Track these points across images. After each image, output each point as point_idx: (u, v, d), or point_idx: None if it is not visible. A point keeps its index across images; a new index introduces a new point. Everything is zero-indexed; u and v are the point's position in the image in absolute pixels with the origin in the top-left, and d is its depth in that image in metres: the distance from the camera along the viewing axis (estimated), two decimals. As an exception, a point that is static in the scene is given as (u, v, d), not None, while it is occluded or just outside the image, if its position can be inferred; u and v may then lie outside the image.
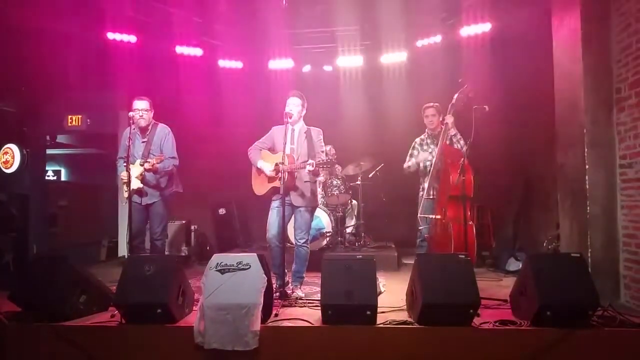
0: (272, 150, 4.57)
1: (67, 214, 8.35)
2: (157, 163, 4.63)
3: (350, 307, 3.20)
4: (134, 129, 4.74)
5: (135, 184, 4.63)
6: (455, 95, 4.76)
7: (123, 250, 7.33)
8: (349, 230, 6.92)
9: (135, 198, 4.69)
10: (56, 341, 3.32)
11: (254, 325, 3.14)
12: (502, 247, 6.46)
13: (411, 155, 5.26)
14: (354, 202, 6.95)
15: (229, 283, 3.28)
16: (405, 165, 5.27)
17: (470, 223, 4.43)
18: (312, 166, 4.09)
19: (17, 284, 3.73)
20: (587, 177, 4.05)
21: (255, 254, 3.45)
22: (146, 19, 6.39)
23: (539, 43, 5.14)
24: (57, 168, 11.28)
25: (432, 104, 5.14)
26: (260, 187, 4.57)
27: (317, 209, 6.13)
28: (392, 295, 4.21)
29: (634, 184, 3.82)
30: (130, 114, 4.65)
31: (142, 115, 4.77)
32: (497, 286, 4.85)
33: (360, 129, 7.29)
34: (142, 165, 4.67)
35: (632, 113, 3.83)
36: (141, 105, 4.78)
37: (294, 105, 4.47)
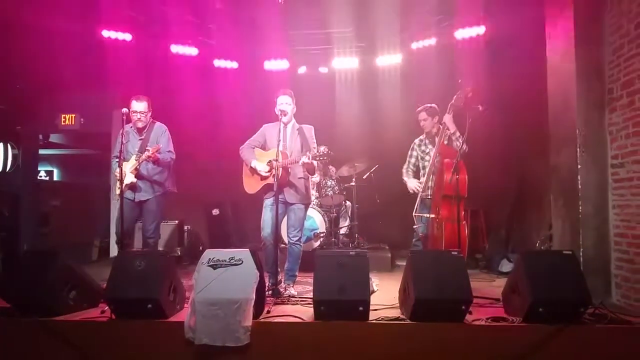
0: (264, 148, 4.57)
1: (59, 214, 8.28)
2: (156, 152, 4.60)
3: (342, 303, 3.19)
4: (130, 126, 4.73)
5: (129, 178, 4.60)
6: (455, 95, 4.77)
7: (115, 250, 7.29)
8: (342, 231, 6.91)
9: (128, 194, 4.65)
10: (45, 336, 3.28)
11: (245, 320, 3.12)
12: (495, 248, 6.47)
13: (410, 156, 5.27)
14: (348, 203, 6.94)
15: (221, 278, 3.26)
16: (404, 170, 5.28)
17: (463, 222, 4.44)
18: (308, 158, 4.09)
19: (6, 280, 3.69)
20: (579, 177, 4.06)
21: (248, 249, 3.43)
22: (141, 18, 6.39)
23: (533, 45, 5.17)
24: (50, 168, 11.21)
25: (422, 107, 5.11)
26: (252, 185, 4.55)
27: (311, 210, 6.17)
28: (385, 295, 4.20)
29: (626, 184, 3.84)
30: (124, 110, 4.60)
31: (139, 118, 4.77)
32: (489, 286, 4.86)
33: (355, 131, 7.31)
34: (137, 159, 4.66)
35: (623, 113, 3.86)
36: (140, 108, 4.76)
37: (286, 104, 4.47)
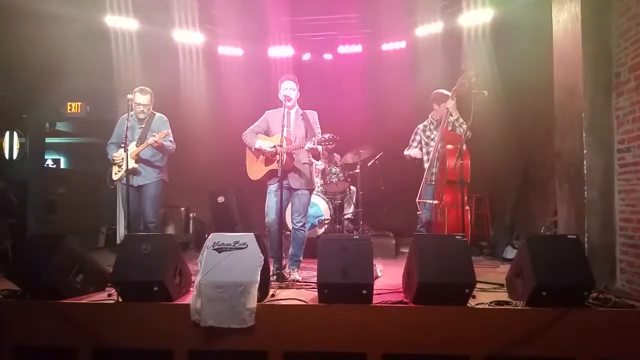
0: (267, 134, 4.57)
1: (66, 202, 8.35)
2: (162, 138, 4.71)
3: (346, 286, 3.20)
4: (132, 115, 4.78)
5: (130, 163, 4.67)
6: (458, 80, 4.73)
7: (122, 236, 7.35)
8: (347, 218, 6.92)
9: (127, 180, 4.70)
10: (53, 318, 3.33)
11: (250, 303, 3.15)
12: (500, 235, 6.47)
13: (413, 141, 5.26)
14: (353, 189, 6.95)
15: (225, 262, 3.29)
16: (405, 152, 5.27)
17: (467, 208, 4.44)
18: (314, 143, 4.09)
19: (15, 263, 3.73)
20: (584, 162, 4.04)
21: (253, 233, 3.46)
22: (145, 3, 6.36)
23: (540, 30, 5.12)
24: (57, 157, 11.27)
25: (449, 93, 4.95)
26: (256, 171, 4.56)
27: (316, 197, 6.18)
28: (389, 281, 4.21)
29: (632, 169, 3.82)
30: (129, 96, 4.69)
31: (142, 110, 4.87)
32: (493, 272, 4.86)
33: (360, 118, 7.27)
34: (138, 145, 4.75)
35: (630, 97, 3.82)
36: (143, 100, 4.86)
37: (290, 89, 4.46)
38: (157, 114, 5.00)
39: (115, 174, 4.85)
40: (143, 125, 4.90)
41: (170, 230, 6.89)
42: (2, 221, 6.51)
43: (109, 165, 5.03)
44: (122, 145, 4.63)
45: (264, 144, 4.41)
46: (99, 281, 3.83)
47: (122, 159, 4.68)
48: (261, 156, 4.50)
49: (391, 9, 6.68)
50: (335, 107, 7.12)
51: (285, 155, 4.25)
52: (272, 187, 4.47)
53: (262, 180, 4.59)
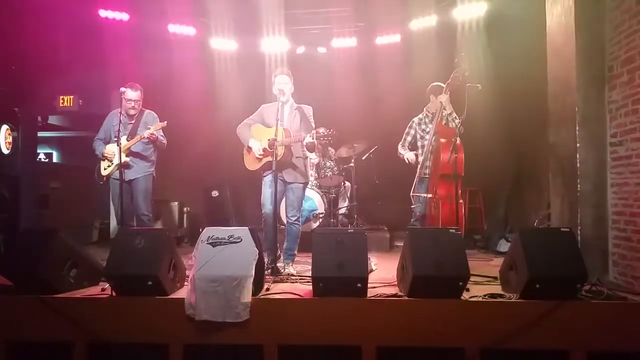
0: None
1: (59, 196, 8.30)
2: (156, 130, 4.72)
3: (341, 280, 3.21)
4: (119, 111, 4.78)
5: (122, 157, 4.65)
6: (452, 75, 4.74)
7: (115, 231, 7.31)
8: (341, 212, 6.93)
9: (117, 174, 4.69)
10: (46, 313, 3.30)
11: (245, 297, 3.15)
12: (493, 228, 6.51)
13: (407, 134, 5.27)
14: (347, 184, 6.95)
15: (220, 256, 3.27)
16: (399, 146, 5.28)
17: (461, 201, 4.46)
18: (312, 137, 4.09)
19: (8, 257, 3.70)
20: (578, 155, 4.05)
21: (247, 227, 3.45)
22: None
23: (533, 23, 5.13)
24: (49, 150, 11.19)
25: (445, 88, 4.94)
26: (253, 162, 4.55)
27: (310, 191, 6.19)
28: (384, 274, 4.22)
29: (624, 162, 3.83)
30: (122, 89, 4.70)
31: (133, 106, 4.86)
32: (487, 265, 4.89)
33: (354, 111, 7.24)
34: (129, 140, 4.76)
35: (623, 91, 3.83)
36: (134, 96, 4.85)
37: (284, 84, 4.45)
38: (147, 111, 5.00)
39: (105, 169, 4.83)
40: (133, 121, 4.90)
41: (164, 224, 6.86)
42: (-6, 216, 6.48)
43: (99, 160, 5.00)
44: (115, 140, 4.61)
45: (255, 144, 4.41)
46: (92, 276, 3.80)
47: (114, 153, 4.66)
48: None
49: (385, 2, 6.67)
50: (330, 101, 7.11)
51: (283, 148, 4.24)
52: (267, 179, 4.47)
53: (256, 173, 4.59)
